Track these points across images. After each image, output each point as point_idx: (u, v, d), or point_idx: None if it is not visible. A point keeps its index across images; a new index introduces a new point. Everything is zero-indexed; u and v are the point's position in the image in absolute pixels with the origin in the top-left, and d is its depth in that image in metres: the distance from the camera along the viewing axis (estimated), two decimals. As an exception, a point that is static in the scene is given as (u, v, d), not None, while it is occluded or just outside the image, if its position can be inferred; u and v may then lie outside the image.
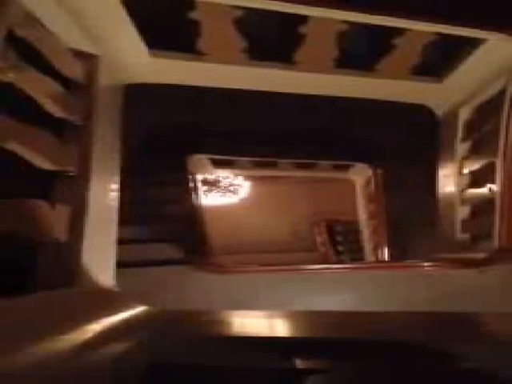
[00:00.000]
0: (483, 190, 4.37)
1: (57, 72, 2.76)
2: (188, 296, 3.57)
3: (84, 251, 2.62)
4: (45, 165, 2.53)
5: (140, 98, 3.91)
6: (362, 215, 8.05)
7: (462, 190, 4.76)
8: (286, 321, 2.59)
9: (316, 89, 4.45)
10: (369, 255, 7.88)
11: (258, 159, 7.15)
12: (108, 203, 3.36)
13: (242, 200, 10.31)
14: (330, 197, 10.04)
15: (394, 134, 5.76)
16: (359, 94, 4.53)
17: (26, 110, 2.40)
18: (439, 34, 3.48)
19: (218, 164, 7.24)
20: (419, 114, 4.95)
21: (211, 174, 8.58)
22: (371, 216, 7.47)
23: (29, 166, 2.42)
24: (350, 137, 6.13)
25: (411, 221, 5.87)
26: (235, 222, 10.22)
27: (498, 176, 3.97)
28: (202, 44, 3.57)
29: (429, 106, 4.88)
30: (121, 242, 3.36)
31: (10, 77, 2.26)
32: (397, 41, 3.65)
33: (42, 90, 2.56)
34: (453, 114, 4.70)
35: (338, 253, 10.14)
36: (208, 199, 9.44)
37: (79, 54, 3.07)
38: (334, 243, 10.29)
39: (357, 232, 8.48)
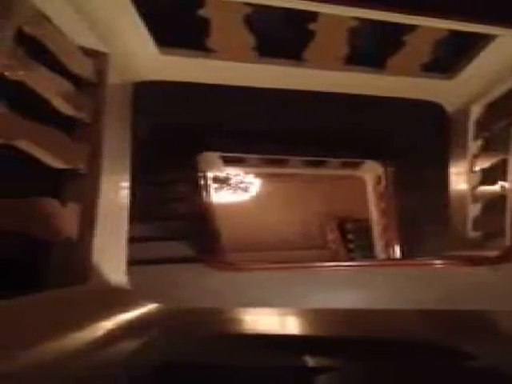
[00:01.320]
0: (495, 188, 4.35)
1: (67, 70, 2.77)
2: (200, 294, 3.58)
3: (95, 249, 2.62)
4: (55, 163, 2.53)
5: (150, 95, 3.92)
6: (373, 213, 8.05)
7: (474, 188, 4.74)
8: (298, 319, 2.59)
9: (326, 86, 4.43)
10: (380, 253, 7.87)
11: (268, 157, 7.15)
12: (119, 201, 3.36)
13: (252, 198, 10.30)
14: (340, 194, 10.05)
15: (404, 131, 5.74)
16: (370, 91, 4.51)
17: (37, 108, 2.41)
18: (450, 30, 3.46)
19: (229, 161, 7.27)
20: (430, 111, 4.93)
21: (222, 171, 8.61)
22: (382, 214, 7.47)
23: (39, 164, 2.42)
24: (360, 134, 6.12)
25: (422, 218, 5.85)
26: (246, 220, 10.23)
27: (510, 173, 3.95)
28: (211, 41, 3.57)
29: (440, 103, 4.85)
30: (132, 240, 3.36)
31: (21, 75, 2.27)
32: (407, 37, 3.63)
33: (52, 88, 2.56)
34: (464, 112, 4.68)
35: (349, 250, 10.13)
36: (219, 197, 9.44)
37: (89, 52, 3.08)
38: (344, 241, 10.29)
39: (368, 230, 8.47)
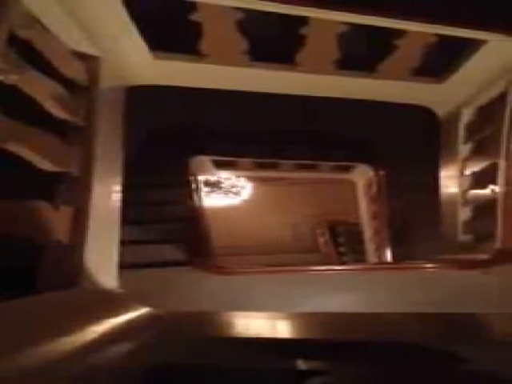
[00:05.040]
0: (485, 191, 4.36)
1: (59, 74, 2.77)
2: (190, 297, 3.57)
3: (87, 252, 2.62)
4: (47, 166, 2.54)
5: (142, 99, 3.92)
6: (364, 216, 8.06)
7: (465, 191, 4.75)
8: (289, 322, 2.59)
9: (317, 90, 4.45)
10: (371, 256, 7.89)
11: (259, 160, 7.16)
12: (111, 204, 3.36)
13: (243, 201, 10.32)
14: (331, 198, 10.05)
15: (395, 135, 5.77)
16: (360, 95, 4.53)
17: (29, 112, 2.41)
18: (440, 35, 3.48)
19: (220, 165, 7.27)
20: (420, 115, 4.95)
21: (213, 175, 8.62)
22: (373, 217, 7.48)
23: (31, 167, 2.42)
24: (351, 138, 6.14)
25: (413, 222, 5.87)
26: (237, 223, 10.22)
27: (501, 177, 3.97)
28: (203, 45, 3.57)
29: (430, 107, 4.87)
30: (123, 243, 3.36)
31: (13, 79, 2.27)
32: (398, 42, 3.65)
33: (44, 92, 2.56)
34: (454, 115, 4.70)
35: (340, 254, 10.13)
36: (210, 200, 9.44)
37: (81, 56, 3.08)
38: (335, 244, 10.28)
39: (359, 233, 8.49)
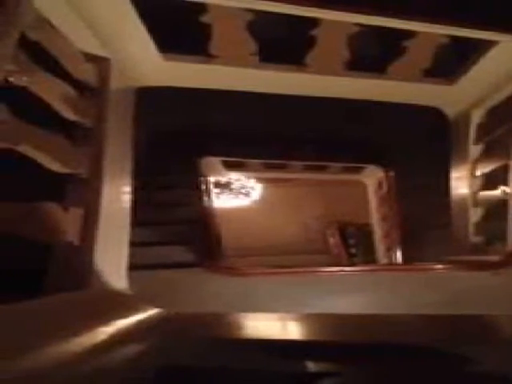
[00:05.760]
0: (496, 193, 4.34)
1: (69, 75, 2.77)
2: (200, 298, 3.57)
3: (96, 254, 2.62)
4: (57, 167, 2.54)
5: (152, 100, 3.92)
6: (375, 217, 8.03)
7: (475, 193, 4.73)
8: (299, 323, 2.59)
9: (327, 91, 4.44)
10: (382, 257, 7.85)
11: (269, 161, 7.15)
12: (120, 206, 3.37)
13: (253, 202, 10.30)
14: (342, 199, 10.02)
15: (405, 136, 5.75)
16: (371, 96, 4.52)
17: (39, 113, 2.41)
18: (450, 36, 3.47)
19: (230, 166, 7.26)
20: (431, 116, 4.93)
21: (223, 176, 8.60)
22: (384, 218, 7.44)
23: (41, 168, 2.42)
24: (361, 139, 6.12)
25: (424, 223, 5.84)
26: (247, 225, 10.21)
27: (511, 178, 3.95)
28: (213, 47, 3.58)
29: (441, 108, 4.86)
30: (133, 244, 3.36)
31: (24, 80, 2.27)
32: (408, 43, 3.64)
33: (54, 93, 2.57)
34: (465, 116, 4.68)
35: (350, 255, 10.10)
36: (220, 201, 9.43)
37: (91, 58, 3.08)
38: (346, 245, 10.26)
39: (369, 234, 8.44)
